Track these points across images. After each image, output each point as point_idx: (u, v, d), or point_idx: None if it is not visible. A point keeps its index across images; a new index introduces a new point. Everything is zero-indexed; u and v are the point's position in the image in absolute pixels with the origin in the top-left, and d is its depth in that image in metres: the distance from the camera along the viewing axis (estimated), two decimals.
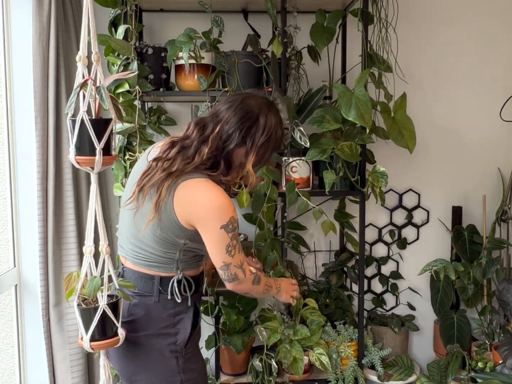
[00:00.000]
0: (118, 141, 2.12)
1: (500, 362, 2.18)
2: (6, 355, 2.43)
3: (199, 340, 1.70)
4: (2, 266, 2.36)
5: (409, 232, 2.79)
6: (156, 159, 1.49)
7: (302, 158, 2.21)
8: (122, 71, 2.08)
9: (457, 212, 2.72)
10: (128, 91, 2.09)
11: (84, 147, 1.26)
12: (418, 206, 2.77)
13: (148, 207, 1.45)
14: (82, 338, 1.36)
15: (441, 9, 2.67)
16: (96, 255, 1.35)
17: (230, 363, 2.41)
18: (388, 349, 2.49)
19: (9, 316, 2.41)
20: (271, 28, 2.45)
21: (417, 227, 2.79)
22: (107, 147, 1.29)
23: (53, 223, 2.27)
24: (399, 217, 2.78)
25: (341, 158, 2.18)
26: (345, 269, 2.65)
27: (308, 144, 2.12)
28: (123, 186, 2.11)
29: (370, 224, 2.75)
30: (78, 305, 1.36)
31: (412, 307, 2.79)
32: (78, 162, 1.28)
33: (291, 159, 2.20)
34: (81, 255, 2.35)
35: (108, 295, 1.36)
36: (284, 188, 2.19)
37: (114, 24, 2.16)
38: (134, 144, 2.12)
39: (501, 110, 2.68)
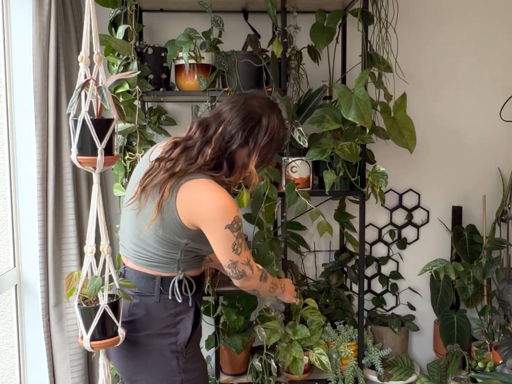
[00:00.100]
0: (118, 141, 2.12)
1: (500, 362, 2.18)
2: (6, 355, 2.43)
3: (200, 340, 1.70)
4: (2, 266, 2.36)
5: (409, 232, 2.79)
6: (158, 159, 1.49)
7: (302, 158, 2.21)
8: (122, 71, 2.08)
9: (457, 212, 2.73)
10: (128, 91, 2.09)
11: (86, 147, 1.27)
12: (418, 206, 2.77)
13: (151, 207, 1.45)
14: (82, 337, 1.36)
15: (441, 9, 2.67)
16: (97, 255, 1.35)
17: (230, 363, 2.41)
18: (388, 349, 2.49)
19: (9, 316, 2.41)
20: (271, 28, 2.45)
21: (417, 227, 2.79)
22: (109, 147, 1.29)
23: (53, 223, 2.27)
24: (399, 217, 2.78)
25: (341, 158, 2.18)
26: (345, 269, 2.65)
27: (307, 144, 2.12)
28: (123, 186, 2.12)
29: (370, 224, 2.75)
30: (78, 304, 1.36)
31: (412, 307, 2.79)
32: (80, 162, 1.28)
33: (291, 159, 2.21)
34: (81, 255, 2.35)
35: (109, 295, 1.37)
36: (284, 188, 2.19)
37: (114, 24, 2.16)
38: (134, 144, 2.12)
39: (501, 110, 2.68)
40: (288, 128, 2.10)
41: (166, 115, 2.41)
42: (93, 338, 1.35)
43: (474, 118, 2.73)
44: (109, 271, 1.35)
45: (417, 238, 2.80)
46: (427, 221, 2.79)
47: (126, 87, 2.07)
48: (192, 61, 2.14)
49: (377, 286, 2.80)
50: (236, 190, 2.04)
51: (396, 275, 2.78)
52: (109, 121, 1.29)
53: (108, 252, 1.35)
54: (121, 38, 2.08)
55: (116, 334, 1.39)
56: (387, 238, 2.78)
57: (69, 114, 1.29)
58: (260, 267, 1.64)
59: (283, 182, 2.22)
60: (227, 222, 1.45)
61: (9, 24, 2.29)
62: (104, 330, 1.36)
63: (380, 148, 2.54)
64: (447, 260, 2.52)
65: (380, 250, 2.79)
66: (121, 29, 2.08)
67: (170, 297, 1.53)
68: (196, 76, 2.16)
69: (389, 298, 2.81)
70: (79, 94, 1.25)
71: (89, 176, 2.41)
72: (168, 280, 1.54)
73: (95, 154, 1.26)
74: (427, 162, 2.73)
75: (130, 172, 2.11)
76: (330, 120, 2.16)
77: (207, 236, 1.48)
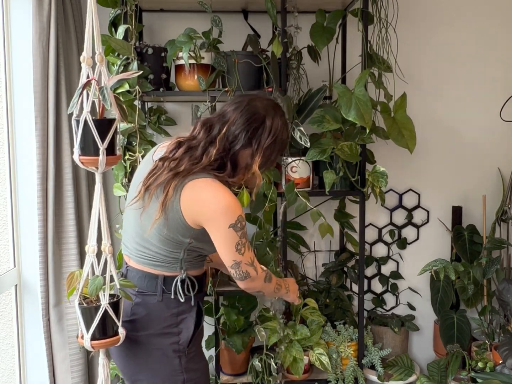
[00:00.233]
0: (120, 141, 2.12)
1: (500, 362, 2.18)
2: (6, 355, 2.43)
3: (202, 340, 1.71)
4: (2, 266, 2.36)
5: (409, 232, 2.79)
6: (162, 159, 1.49)
7: (302, 158, 2.21)
8: (122, 71, 2.08)
9: (457, 212, 2.73)
10: (128, 91, 2.09)
11: (89, 147, 1.27)
12: (418, 206, 2.77)
13: (154, 207, 1.45)
14: (82, 337, 1.36)
15: (441, 9, 2.67)
16: (97, 254, 1.35)
17: (230, 363, 2.41)
18: (388, 349, 2.49)
19: (9, 316, 2.41)
20: (271, 28, 2.45)
21: (417, 227, 2.79)
22: (111, 147, 1.29)
23: (53, 223, 2.27)
24: (399, 217, 2.78)
25: (341, 158, 2.18)
26: (345, 269, 2.65)
27: (309, 144, 2.12)
28: (123, 186, 2.11)
29: (370, 224, 2.75)
30: (79, 303, 1.36)
31: (412, 307, 2.79)
32: (82, 162, 1.29)
33: (291, 159, 2.21)
34: (81, 255, 2.35)
35: (110, 295, 1.37)
36: (284, 188, 2.19)
37: (114, 24, 2.16)
38: (134, 144, 2.12)
39: (501, 110, 2.68)
40: (289, 128, 2.10)
41: (166, 115, 2.41)
42: (93, 338, 1.35)
43: (474, 118, 2.73)
44: (110, 270, 1.35)
45: (417, 238, 2.80)
46: (427, 221, 2.79)
47: (126, 87, 2.07)
48: (192, 61, 2.14)
49: (377, 286, 2.80)
50: (237, 190, 2.04)
51: (396, 275, 2.78)
52: (111, 121, 1.29)
53: (110, 252, 1.35)
54: (121, 38, 2.08)
55: (116, 333, 1.39)
56: (387, 238, 2.78)
57: (69, 114, 1.29)
58: (264, 268, 1.63)
59: (283, 182, 2.22)
60: (231, 222, 1.45)
61: (9, 24, 2.29)
62: (105, 330, 1.37)
63: (380, 148, 2.54)
64: (447, 260, 2.52)
65: (380, 250, 2.79)
66: (121, 29, 2.08)
67: (172, 297, 1.54)
68: (196, 76, 2.16)
69: (389, 298, 2.81)
70: (81, 95, 1.25)
71: (89, 176, 2.41)
72: (171, 279, 1.54)
73: (97, 154, 1.27)
74: (427, 162, 2.73)
75: (130, 172, 2.11)
76: (330, 120, 2.16)
77: (210, 235, 1.49)
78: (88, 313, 1.35)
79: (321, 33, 2.25)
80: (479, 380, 2.20)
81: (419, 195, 2.76)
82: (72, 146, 2.27)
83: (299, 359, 2.22)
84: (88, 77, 1.26)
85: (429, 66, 2.68)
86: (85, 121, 1.24)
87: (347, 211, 2.60)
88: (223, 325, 2.34)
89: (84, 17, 1.40)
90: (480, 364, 2.40)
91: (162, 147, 1.59)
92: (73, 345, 2.33)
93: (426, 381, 2.32)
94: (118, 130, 1.32)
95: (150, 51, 2.17)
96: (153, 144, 2.17)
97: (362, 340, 2.38)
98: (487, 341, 2.52)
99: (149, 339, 1.53)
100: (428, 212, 2.78)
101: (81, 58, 1.26)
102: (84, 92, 1.26)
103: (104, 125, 1.27)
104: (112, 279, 1.37)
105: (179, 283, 1.54)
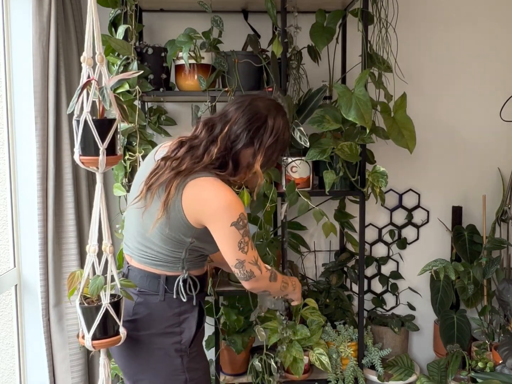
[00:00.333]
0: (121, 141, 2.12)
1: (500, 362, 2.18)
2: (6, 355, 2.43)
3: (203, 339, 1.71)
4: (2, 266, 2.36)
5: (409, 232, 2.79)
6: (164, 158, 1.50)
7: (302, 158, 2.21)
8: (122, 71, 2.08)
9: (457, 212, 2.73)
10: (128, 91, 2.09)
11: (89, 147, 1.27)
12: (418, 206, 2.77)
13: (156, 206, 1.45)
14: (83, 337, 1.36)
15: (441, 9, 2.67)
16: (98, 254, 1.35)
17: (230, 363, 2.41)
18: (388, 349, 2.49)
19: (9, 316, 2.41)
20: (271, 28, 2.45)
21: (417, 227, 2.79)
22: (112, 147, 1.29)
23: (53, 223, 2.27)
24: (399, 217, 2.78)
25: (341, 158, 2.18)
26: (345, 269, 2.65)
27: (308, 144, 2.12)
28: (123, 186, 2.12)
29: (370, 224, 2.75)
30: (80, 303, 1.36)
31: (412, 307, 2.79)
32: (83, 162, 1.29)
33: (291, 159, 2.21)
34: (81, 255, 2.35)
35: (110, 294, 1.37)
36: (284, 188, 2.19)
37: (114, 24, 2.16)
38: (134, 144, 2.12)
39: (501, 110, 2.68)
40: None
41: (166, 115, 2.41)
42: (94, 337, 1.35)
43: (474, 118, 2.73)
44: (111, 270, 1.36)
45: (417, 238, 2.80)
46: (427, 221, 2.79)
47: (126, 87, 2.07)
48: (192, 61, 2.14)
49: (377, 286, 2.80)
50: (237, 190, 2.04)
51: (396, 275, 2.78)
52: (111, 121, 1.29)
53: (110, 252, 1.35)
54: (121, 38, 2.08)
55: (117, 333, 1.39)
56: (387, 238, 2.78)
57: (69, 114, 1.29)
58: (269, 267, 1.62)
59: (283, 182, 2.22)
60: (233, 220, 1.45)
61: (9, 24, 2.29)
62: (106, 330, 1.36)
63: (380, 148, 2.54)
64: (447, 260, 2.52)
65: (380, 250, 2.79)
66: (121, 29, 2.08)
67: (174, 296, 1.54)
68: (196, 76, 2.16)
69: (389, 298, 2.81)
70: (79, 95, 1.25)
71: (89, 176, 2.41)
72: (173, 279, 1.54)
73: (98, 154, 1.27)
74: (427, 162, 2.73)
75: (130, 172, 2.11)
76: (330, 120, 2.16)
77: (213, 234, 1.49)
78: (89, 313, 1.35)
79: (321, 33, 2.25)
80: (479, 380, 2.20)
81: (419, 195, 2.76)
82: (72, 146, 2.27)
83: (299, 359, 2.22)
84: (88, 77, 1.26)
85: (429, 66, 2.69)
86: (85, 121, 1.25)
87: (347, 211, 2.60)
88: (223, 325, 2.34)
89: (84, 17, 1.41)
90: (480, 364, 2.41)
91: (164, 147, 1.60)
92: (73, 345, 2.33)
93: (426, 381, 2.32)
94: (118, 130, 1.32)
95: (150, 51, 2.17)
96: (153, 144, 2.17)
97: (362, 340, 2.38)
98: (487, 341, 2.52)
99: (151, 339, 1.53)
100: (428, 212, 2.78)
101: (82, 58, 1.26)
102: (84, 92, 1.26)
103: (104, 125, 1.28)
104: (113, 279, 1.37)
105: (181, 283, 1.54)
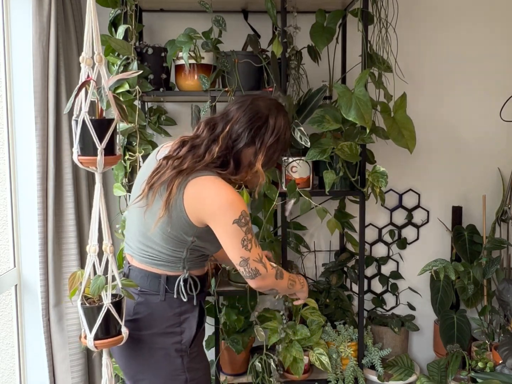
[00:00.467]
0: (120, 141, 2.12)
1: (500, 362, 2.18)
2: (6, 355, 2.43)
3: (204, 339, 1.71)
4: (2, 266, 2.36)
5: (409, 232, 2.79)
6: (166, 158, 1.50)
7: (302, 158, 2.21)
8: (122, 71, 2.08)
9: (457, 212, 2.73)
10: (128, 91, 2.09)
11: (88, 147, 1.27)
12: (418, 206, 2.77)
13: (158, 205, 1.46)
14: (85, 337, 1.36)
15: (441, 9, 2.67)
16: (99, 254, 1.35)
17: (230, 363, 2.41)
18: (388, 349, 2.49)
19: (9, 316, 2.41)
20: (271, 28, 2.45)
21: (417, 227, 2.79)
22: (110, 147, 1.29)
23: (53, 223, 2.27)
24: (399, 217, 2.78)
25: (341, 158, 2.18)
26: (345, 269, 2.65)
27: (309, 144, 2.12)
28: (123, 186, 2.12)
29: (370, 224, 2.75)
30: (81, 303, 1.36)
31: (412, 307, 2.79)
32: (81, 162, 1.29)
33: (291, 159, 2.21)
34: (81, 255, 2.35)
35: (112, 294, 1.37)
36: (284, 188, 2.19)
37: (114, 24, 2.16)
38: (134, 144, 2.12)
39: (501, 110, 2.68)
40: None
41: (166, 115, 2.41)
42: (96, 337, 1.35)
43: (474, 118, 2.73)
44: (112, 270, 1.36)
45: (417, 238, 2.80)
46: (427, 221, 2.79)
47: (126, 87, 2.07)
48: (192, 61, 2.14)
49: (377, 286, 2.80)
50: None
51: (396, 275, 2.78)
52: (110, 121, 1.29)
53: (111, 252, 1.36)
54: (121, 38, 2.08)
55: (119, 333, 1.39)
56: (387, 238, 2.78)
57: (69, 114, 1.29)
58: (274, 265, 1.61)
59: (284, 182, 2.22)
60: (235, 217, 1.45)
61: (9, 24, 2.29)
62: (108, 329, 1.37)
63: (380, 148, 2.54)
64: (447, 260, 2.52)
65: (380, 250, 2.79)
66: (121, 29, 2.08)
67: (175, 296, 1.54)
68: (196, 76, 2.16)
69: (389, 298, 2.81)
70: (76, 95, 1.25)
71: (89, 176, 2.41)
72: (173, 279, 1.54)
73: (96, 154, 1.27)
74: (427, 162, 2.73)
75: (130, 172, 2.11)
76: (330, 120, 2.16)
77: (215, 233, 1.49)
78: (90, 313, 1.35)
79: (321, 33, 2.25)
80: (479, 380, 2.20)
81: (419, 195, 2.76)
82: (72, 146, 2.26)
83: (299, 359, 2.22)
84: (87, 77, 1.27)
85: (429, 66, 2.69)
86: (84, 121, 1.25)
87: (347, 211, 2.60)
88: (223, 325, 2.34)
89: (84, 17, 1.40)
90: (480, 364, 2.40)
91: (166, 147, 1.61)
92: (73, 345, 2.33)
93: (426, 381, 2.32)
94: (117, 130, 1.32)
95: (150, 51, 2.17)
96: (153, 144, 2.17)
97: (362, 340, 2.38)
98: (487, 341, 2.52)
99: (152, 339, 1.53)
100: (428, 212, 2.78)
101: (80, 58, 1.27)
102: (83, 92, 1.26)
103: (103, 125, 1.28)
104: (114, 279, 1.37)
105: (181, 283, 1.54)
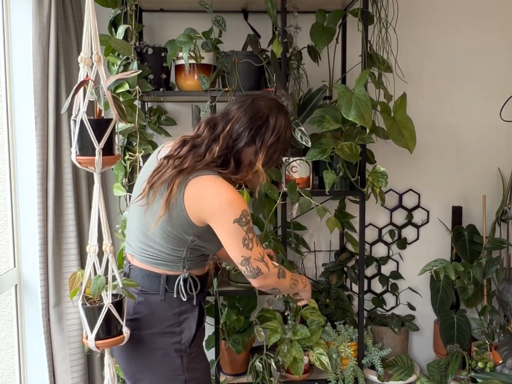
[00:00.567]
0: (119, 141, 2.12)
1: (500, 362, 2.18)
2: (6, 355, 2.43)
3: (203, 339, 1.71)
4: (2, 266, 2.36)
5: (409, 232, 2.79)
6: (167, 157, 1.51)
7: (302, 158, 2.21)
8: (122, 71, 2.08)
9: (457, 212, 2.73)
10: (128, 91, 2.09)
11: (86, 148, 1.27)
12: (418, 206, 2.77)
13: (159, 204, 1.46)
14: (87, 337, 1.36)
15: (441, 9, 2.67)
16: (99, 254, 1.35)
17: (230, 363, 2.41)
18: (388, 349, 2.49)
19: (9, 316, 2.41)
20: (271, 28, 2.45)
21: (417, 227, 2.79)
22: (109, 147, 1.29)
23: (53, 223, 2.27)
24: (399, 217, 2.78)
25: (341, 158, 2.18)
26: (345, 269, 2.65)
27: (310, 144, 2.12)
28: (123, 186, 2.12)
29: (370, 224, 2.75)
30: (82, 304, 1.36)
31: (412, 307, 2.79)
32: (79, 162, 1.29)
33: (291, 159, 2.21)
34: (81, 255, 2.35)
35: (113, 294, 1.37)
36: (284, 188, 2.19)
37: (114, 24, 2.16)
38: (134, 144, 2.12)
39: (501, 110, 2.68)
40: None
41: (166, 115, 2.41)
42: (97, 338, 1.35)
43: (474, 118, 2.73)
44: (112, 270, 1.36)
45: (417, 238, 2.80)
46: (427, 221, 2.79)
47: (126, 87, 2.07)
48: (192, 61, 2.14)
49: (377, 286, 2.80)
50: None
51: (396, 275, 2.78)
52: (108, 121, 1.29)
53: (111, 252, 1.36)
54: (121, 38, 2.08)
55: (120, 333, 1.39)
56: (387, 238, 2.78)
57: (69, 114, 1.29)
58: (276, 264, 1.61)
59: (284, 182, 2.22)
60: (235, 217, 1.45)
61: (9, 24, 2.29)
62: (109, 329, 1.37)
63: (380, 148, 2.54)
64: (447, 260, 2.52)
65: (380, 250, 2.79)
66: (121, 29, 2.08)
67: (175, 296, 1.54)
68: (196, 76, 2.17)
69: (389, 298, 2.81)
70: (73, 95, 1.25)
71: (89, 176, 2.41)
72: (173, 278, 1.54)
73: (95, 154, 1.27)
74: (427, 162, 2.73)
75: (130, 172, 2.11)
76: (330, 120, 2.16)
77: (216, 232, 1.49)
78: (91, 313, 1.35)
79: (321, 33, 2.25)
80: (479, 380, 2.20)
81: (419, 195, 2.76)
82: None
83: (299, 359, 2.22)
84: (86, 77, 1.27)
85: (429, 66, 2.68)
86: (82, 122, 1.24)
87: (347, 211, 2.60)
88: (223, 325, 2.34)
89: (84, 17, 1.41)
90: (480, 364, 2.40)
91: (167, 147, 1.61)
92: (73, 345, 2.33)
93: (426, 381, 2.32)
94: (116, 130, 1.32)
95: (150, 51, 2.17)
96: (153, 144, 2.18)
97: (362, 340, 2.38)
98: (487, 341, 2.52)
99: (152, 338, 1.53)
100: (428, 212, 2.78)
101: (79, 58, 1.27)
102: (81, 92, 1.26)
103: (101, 125, 1.27)
104: (114, 279, 1.37)
105: (181, 282, 1.54)
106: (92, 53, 1.27)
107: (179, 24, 2.32)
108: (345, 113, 2.08)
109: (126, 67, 2.11)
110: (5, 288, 2.30)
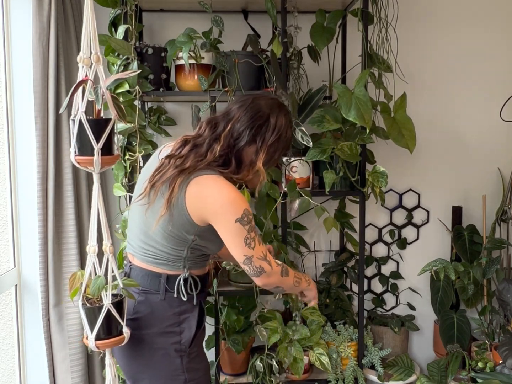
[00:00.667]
0: (118, 141, 2.12)
1: (500, 362, 2.18)
2: (6, 355, 2.43)
3: (204, 339, 1.71)
4: (2, 266, 2.36)
5: (409, 232, 2.79)
6: (168, 157, 1.51)
7: (302, 158, 2.21)
8: (122, 71, 2.08)
9: (457, 212, 2.72)
10: (128, 91, 2.09)
11: (85, 147, 1.27)
12: (418, 206, 2.77)
13: (160, 204, 1.46)
14: (87, 338, 1.36)
15: (441, 9, 2.67)
16: (99, 254, 1.35)
17: (230, 363, 2.41)
18: (388, 349, 2.49)
19: (9, 316, 2.41)
20: (271, 28, 2.45)
21: (417, 227, 2.79)
22: (108, 147, 1.29)
23: (53, 223, 2.27)
24: (399, 217, 2.78)
25: (341, 158, 2.18)
26: (345, 269, 2.65)
27: (311, 144, 2.12)
28: (123, 186, 2.12)
29: (370, 224, 2.75)
30: (82, 304, 1.36)
31: (412, 307, 2.79)
32: (78, 162, 1.28)
33: (291, 159, 2.21)
34: (81, 255, 2.35)
35: (113, 294, 1.37)
36: (284, 188, 2.19)
37: (114, 24, 2.16)
38: (134, 144, 2.12)
39: (501, 110, 2.68)
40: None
41: (166, 115, 2.41)
42: (98, 338, 1.35)
43: (474, 118, 2.73)
44: (112, 270, 1.36)
45: (417, 238, 2.80)
46: (427, 221, 2.79)
47: (126, 87, 2.07)
48: (192, 61, 2.14)
49: (377, 286, 2.80)
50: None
51: (396, 275, 2.78)
52: (107, 121, 1.29)
53: (111, 252, 1.36)
54: (121, 38, 2.08)
55: (121, 333, 1.39)
56: (387, 238, 2.78)
57: (69, 114, 1.29)
58: (279, 262, 1.61)
59: (284, 182, 2.22)
60: (237, 216, 1.45)
61: (9, 24, 2.29)
62: (109, 330, 1.37)
63: (380, 148, 2.54)
64: (447, 260, 2.52)
65: (380, 250, 2.79)
66: (121, 29, 2.08)
67: (175, 295, 1.54)
68: (196, 76, 2.17)
69: (389, 298, 2.81)
70: (71, 95, 1.25)
71: (89, 176, 2.41)
72: (174, 278, 1.54)
73: (94, 154, 1.27)
74: (427, 162, 2.73)
75: (130, 172, 2.11)
76: (330, 120, 2.16)
77: (218, 232, 1.49)
78: (91, 313, 1.35)
79: (321, 33, 2.25)
80: (479, 380, 2.20)
81: (419, 195, 2.76)
82: None
83: (299, 359, 2.22)
84: (85, 76, 1.27)
85: (429, 66, 2.68)
86: (80, 121, 1.24)
87: (347, 211, 2.60)
88: (223, 325, 2.34)
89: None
90: (480, 364, 2.40)
91: (168, 146, 1.61)
92: (73, 345, 2.33)
93: (426, 381, 2.32)
94: (115, 130, 1.32)
95: (150, 51, 2.17)
96: (153, 144, 2.18)
97: (362, 340, 2.38)
98: (487, 341, 2.52)
99: (152, 338, 1.53)
100: (428, 212, 2.78)
101: (78, 58, 1.27)
102: (80, 92, 1.26)
103: (100, 125, 1.27)
104: (114, 279, 1.37)
105: (182, 282, 1.54)
106: (91, 53, 1.27)
107: (179, 24, 2.32)
108: (345, 113, 2.08)
109: (126, 67, 2.10)
110: (5, 288, 2.30)
